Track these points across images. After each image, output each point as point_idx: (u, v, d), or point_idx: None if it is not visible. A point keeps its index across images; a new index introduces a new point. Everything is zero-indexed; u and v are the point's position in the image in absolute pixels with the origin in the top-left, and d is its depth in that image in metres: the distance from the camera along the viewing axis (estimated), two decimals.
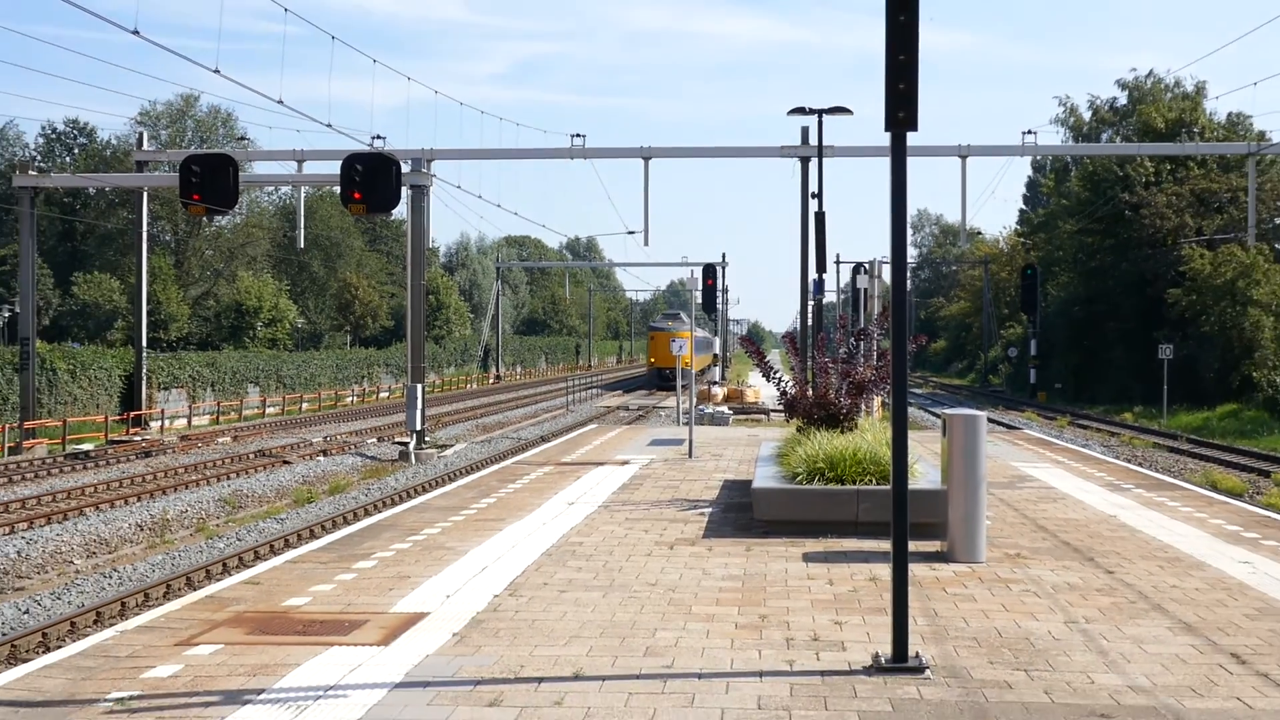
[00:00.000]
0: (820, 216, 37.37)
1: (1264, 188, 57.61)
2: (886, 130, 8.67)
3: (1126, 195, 65.02)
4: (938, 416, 39.39)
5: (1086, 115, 79.18)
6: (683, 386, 32.58)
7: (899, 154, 8.80)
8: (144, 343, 48.72)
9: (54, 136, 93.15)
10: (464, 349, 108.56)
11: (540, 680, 8.30)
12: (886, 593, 10.10)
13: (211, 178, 33.81)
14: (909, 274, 9.50)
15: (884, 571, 11.58)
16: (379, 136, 39.41)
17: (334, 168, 35.53)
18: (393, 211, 40.24)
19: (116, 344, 64.16)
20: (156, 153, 54.40)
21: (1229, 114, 68.48)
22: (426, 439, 40.86)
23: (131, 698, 7.93)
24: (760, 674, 8.46)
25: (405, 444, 39.22)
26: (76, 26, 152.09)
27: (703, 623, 9.99)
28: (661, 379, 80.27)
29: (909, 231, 9.29)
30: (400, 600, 10.88)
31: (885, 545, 10.70)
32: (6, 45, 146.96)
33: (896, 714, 7.53)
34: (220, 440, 44.96)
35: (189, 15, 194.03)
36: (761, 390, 55.72)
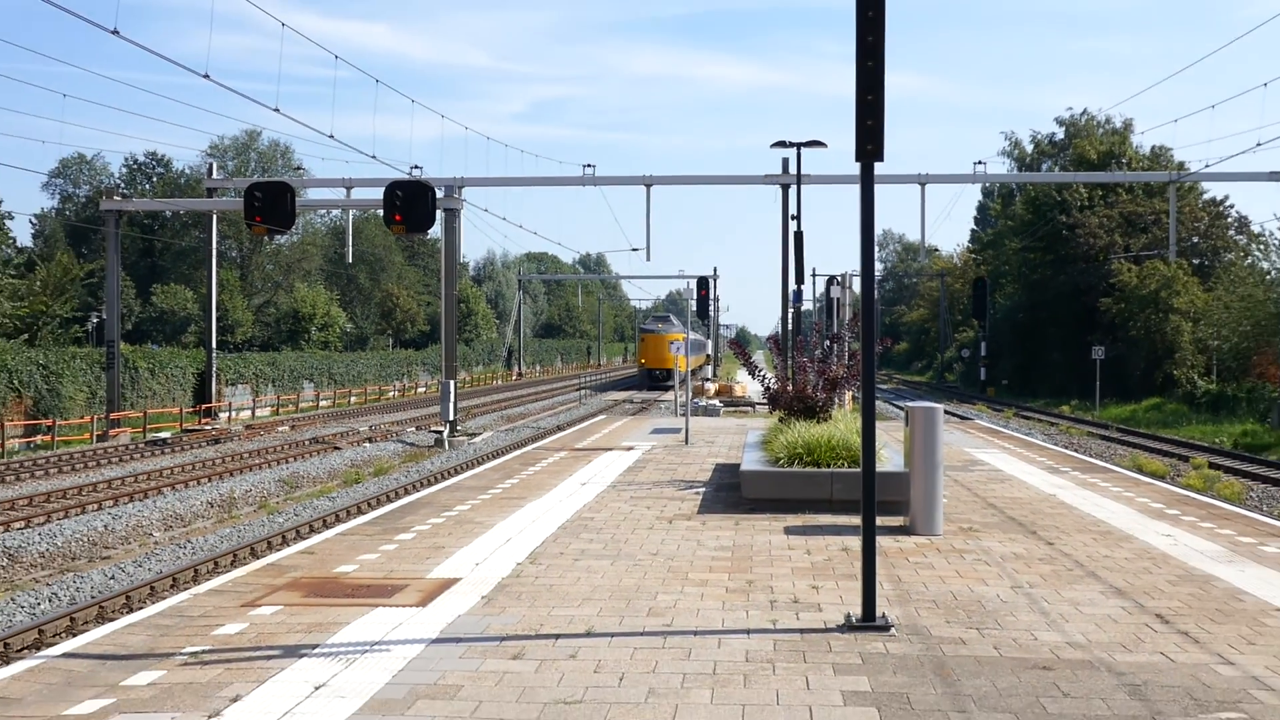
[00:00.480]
0: (799, 235, 37.29)
1: (1183, 211, 57.69)
2: (857, 160, 8.68)
3: (1064, 217, 65.06)
4: (901, 409, 39.36)
5: (1029, 148, 79.26)
6: (680, 382, 32.52)
7: (867, 181, 8.81)
8: (214, 345, 48.74)
9: (135, 166, 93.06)
10: (491, 350, 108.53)
11: (557, 637, 8.31)
12: (857, 561, 10.10)
13: (272, 202, 33.81)
14: (876, 285, 9.51)
15: (854, 543, 11.59)
16: (417, 166, 39.38)
17: (378, 193, 35.54)
18: (429, 231, 40.26)
19: (189, 346, 64.17)
20: (224, 181, 54.28)
21: (1153, 147, 68.34)
22: (458, 428, 40.90)
23: (204, 652, 7.95)
24: (748, 631, 8.46)
25: (440, 432, 39.23)
26: (154, 71, 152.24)
27: (697, 587, 9.99)
28: (652, 380, 75.59)
29: (876, 248, 9.29)
30: (436, 567, 10.89)
31: (856, 520, 10.72)
32: (94, 87, 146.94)
33: (866, 666, 7.53)
34: (279, 429, 44.95)
35: (252, 61, 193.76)
36: (748, 386, 55.65)
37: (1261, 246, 58.22)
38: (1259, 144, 48.06)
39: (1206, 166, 43.94)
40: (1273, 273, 52.16)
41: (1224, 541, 12.34)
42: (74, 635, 11.65)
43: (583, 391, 66.58)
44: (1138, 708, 6.68)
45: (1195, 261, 61.08)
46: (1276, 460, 31.34)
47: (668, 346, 60.42)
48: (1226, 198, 65.35)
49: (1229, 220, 65.05)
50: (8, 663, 11.50)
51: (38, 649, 12.11)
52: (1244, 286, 53.22)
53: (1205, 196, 65.34)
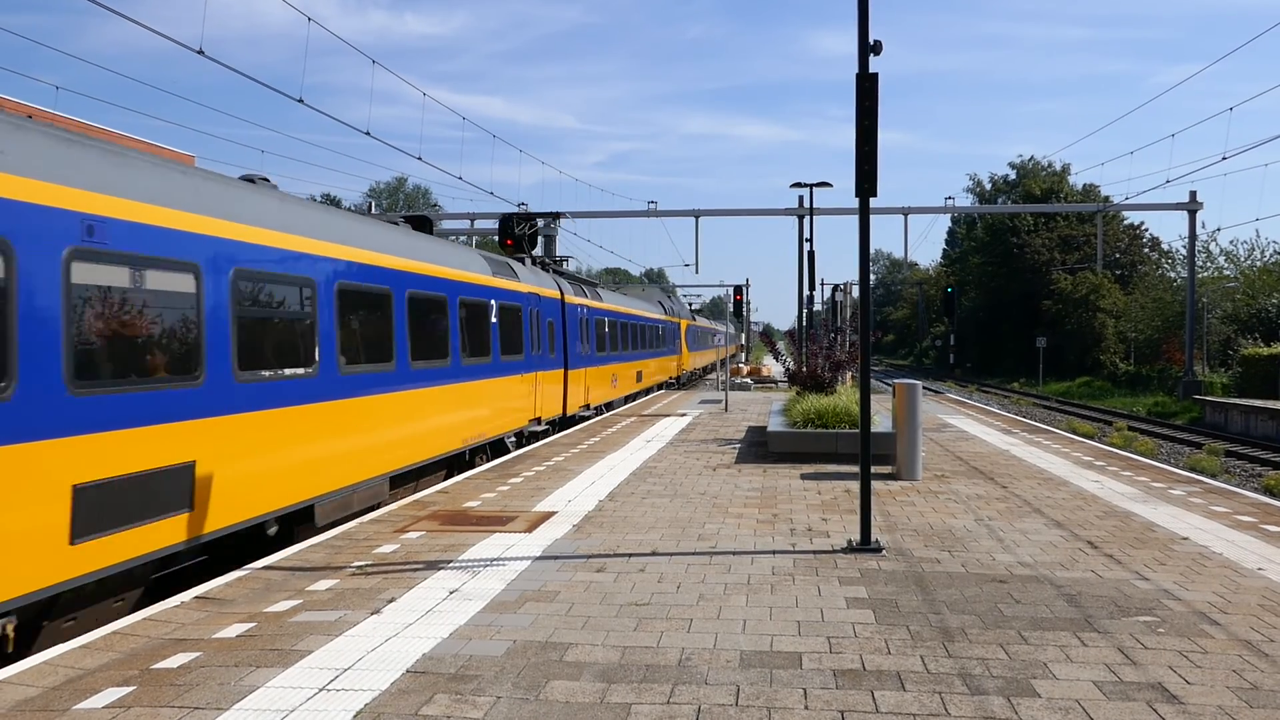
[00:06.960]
0: (811, 254, 36.85)
1: (1108, 234, 56.85)
2: (855, 196, 8.58)
3: (1015, 239, 64.33)
4: (889, 385, 38.92)
5: (988, 186, 78.23)
6: (721, 364, 32.23)
7: (864, 213, 8.71)
8: None
9: (331, 202, 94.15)
10: None
11: (630, 555, 8.32)
12: (856, 500, 10.01)
13: (416, 229, 34.08)
14: (870, 291, 9.40)
15: (854, 486, 11.50)
16: (523, 202, 39.54)
17: (494, 223, 35.79)
18: (533, 251, 40.40)
19: None
20: (381, 215, 55.02)
21: (1084, 185, 66.95)
22: None
23: (367, 565, 8.05)
24: (774, 552, 8.42)
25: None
26: (329, 131, 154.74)
27: (735, 519, 9.95)
28: None
29: (870, 263, 9.19)
30: (538, 503, 10.94)
31: (855, 469, 10.65)
32: (284, 144, 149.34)
33: (863, 579, 7.46)
34: None
35: (401, 124, 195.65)
36: (772, 367, 55.40)
37: (1169, 261, 57.24)
38: (1168, 181, 47.11)
39: (1126, 199, 43.01)
40: (1178, 281, 51.15)
41: (1140, 486, 12.09)
42: (270, 554, 11.85)
43: None
44: (1074, 612, 6.56)
45: (1117, 273, 60.18)
46: (1180, 424, 30.66)
47: None
48: (1142, 223, 64.37)
49: (1144, 241, 63.87)
50: (223, 573, 11.70)
51: (243, 564, 12.32)
52: (1155, 291, 52.39)
53: (1125, 222, 64.19)
